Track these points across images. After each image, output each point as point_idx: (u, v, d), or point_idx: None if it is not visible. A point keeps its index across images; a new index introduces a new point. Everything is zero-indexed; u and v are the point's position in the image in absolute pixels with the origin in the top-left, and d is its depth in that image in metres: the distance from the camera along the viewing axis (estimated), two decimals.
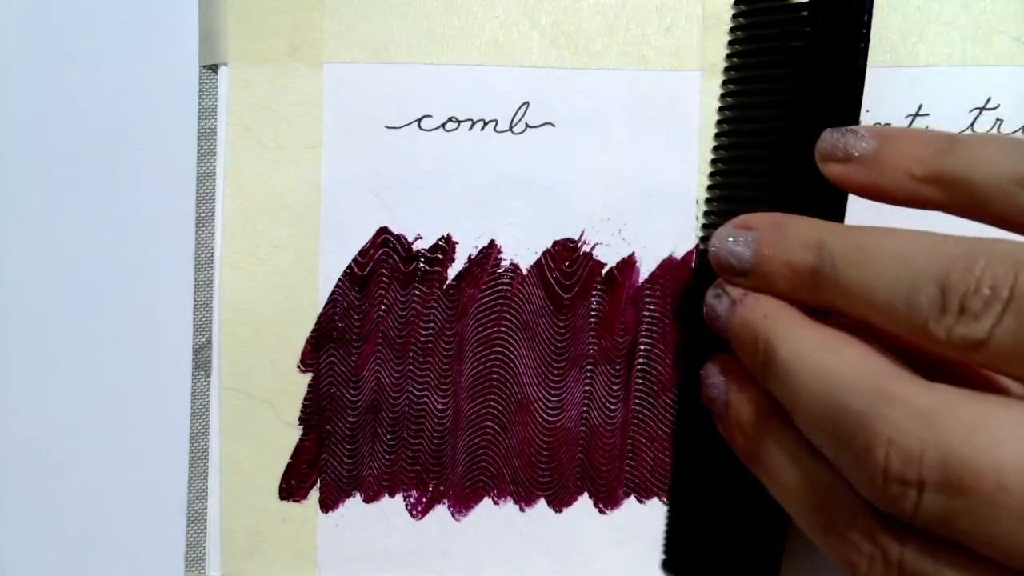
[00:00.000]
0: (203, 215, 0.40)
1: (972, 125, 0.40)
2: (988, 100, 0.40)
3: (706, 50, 0.40)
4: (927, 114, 0.40)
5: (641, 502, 0.40)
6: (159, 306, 0.41)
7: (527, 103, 0.40)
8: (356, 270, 0.40)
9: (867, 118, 0.40)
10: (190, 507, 0.40)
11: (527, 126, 0.40)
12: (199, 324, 0.40)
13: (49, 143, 0.41)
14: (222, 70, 0.40)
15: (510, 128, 0.40)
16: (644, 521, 0.40)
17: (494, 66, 0.40)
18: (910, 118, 0.40)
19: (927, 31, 0.40)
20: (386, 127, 0.40)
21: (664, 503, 0.40)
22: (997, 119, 0.40)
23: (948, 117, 0.40)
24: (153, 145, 0.41)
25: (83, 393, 0.41)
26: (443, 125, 0.40)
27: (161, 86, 0.41)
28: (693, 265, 0.40)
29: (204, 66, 0.40)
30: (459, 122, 0.40)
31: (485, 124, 0.40)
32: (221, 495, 0.40)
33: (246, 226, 0.40)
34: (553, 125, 0.40)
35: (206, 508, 0.40)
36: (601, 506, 0.40)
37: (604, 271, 0.40)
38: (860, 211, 0.34)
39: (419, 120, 0.40)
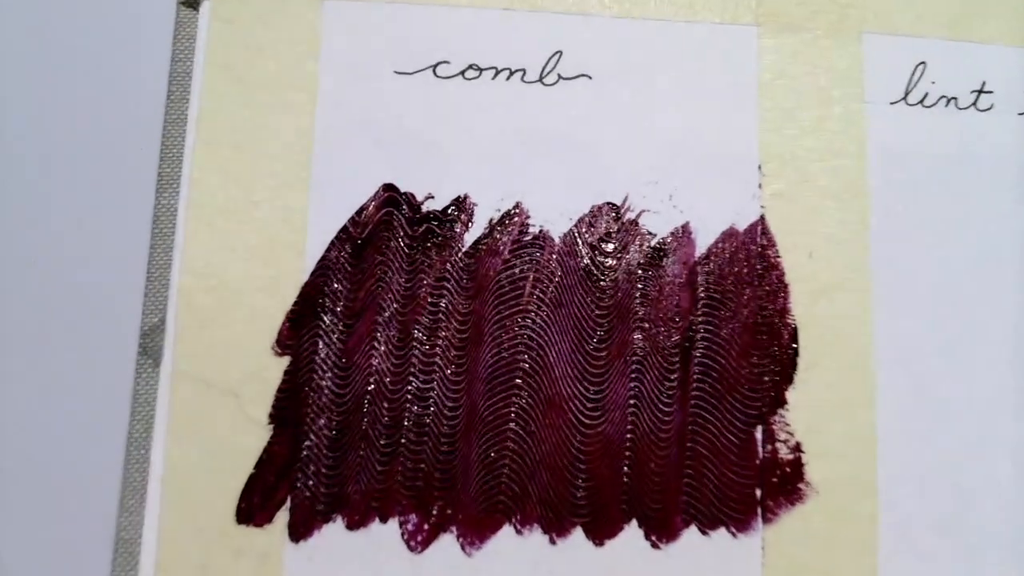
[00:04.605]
0: (167, 170, 0.33)
1: None
2: None
3: (762, 1, 0.35)
4: (991, 91, 0.35)
5: (705, 533, 0.31)
6: (105, 279, 0.32)
7: (560, 52, 0.34)
8: (352, 231, 0.32)
9: (933, 90, 0.35)
10: (119, 536, 0.31)
11: (560, 77, 0.34)
12: (152, 301, 0.32)
13: None
14: (204, 6, 0.34)
15: (540, 79, 0.34)
16: (709, 558, 0.31)
17: (523, 10, 0.34)
18: (975, 94, 0.35)
19: (989, 10, 0.36)
20: (395, 72, 0.34)
21: (734, 535, 0.31)
22: None
23: (1010, 96, 0.35)
24: (113, 90, 0.34)
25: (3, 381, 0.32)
26: (462, 72, 0.34)
27: (133, 22, 0.34)
28: (759, 238, 0.33)
29: (182, 2, 0.34)
30: (481, 70, 0.34)
31: (511, 73, 0.34)
32: (159, 516, 0.30)
33: (218, 178, 0.32)
34: (589, 77, 0.34)
35: (140, 538, 0.30)
36: (654, 538, 0.31)
37: (653, 242, 0.33)
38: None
39: (435, 66, 0.34)
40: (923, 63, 0.35)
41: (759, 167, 0.34)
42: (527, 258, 0.33)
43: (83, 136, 0.33)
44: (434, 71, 0.34)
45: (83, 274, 0.32)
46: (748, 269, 0.33)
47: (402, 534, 0.31)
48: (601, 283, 0.33)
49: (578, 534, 0.31)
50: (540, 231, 0.33)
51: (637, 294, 0.33)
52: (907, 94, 0.35)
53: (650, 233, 0.33)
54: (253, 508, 0.30)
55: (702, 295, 0.33)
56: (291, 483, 0.31)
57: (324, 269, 0.32)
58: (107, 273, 0.32)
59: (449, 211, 0.33)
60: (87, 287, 0.32)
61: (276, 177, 0.32)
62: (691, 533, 0.31)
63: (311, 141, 0.33)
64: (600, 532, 0.31)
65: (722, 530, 0.31)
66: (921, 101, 0.35)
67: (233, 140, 0.33)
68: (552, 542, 0.31)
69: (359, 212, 0.33)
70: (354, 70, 0.34)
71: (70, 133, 0.33)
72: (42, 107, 0.33)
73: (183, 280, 0.32)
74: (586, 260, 0.33)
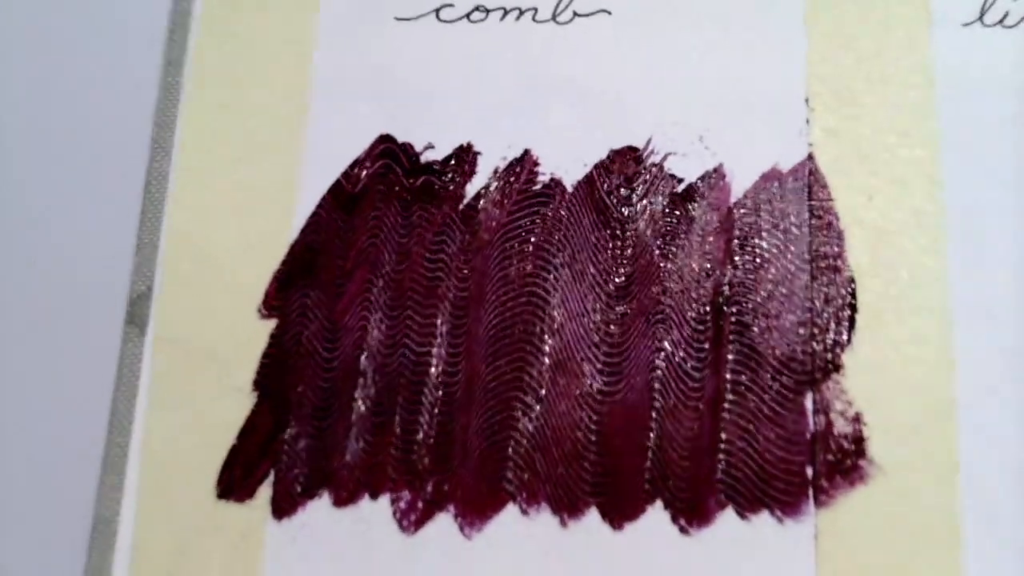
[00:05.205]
0: (161, 135, 0.31)
1: None
2: None
3: None
4: None
5: (744, 518, 0.27)
6: (94, 247, 0.31)
7: None
8: (346, 185, 0.30)
9: (1015, 8, 0.30)
10: (98, 516, 0.29)
11: (575, 14, 0.31)
12: (140, 268, 0.30)
13: None
14: None
15: (553, 17, 0.31)
16: (749, 547, 0.26)
17: None
18: None
19: None
20: (396, 18, 0.31)
21: (780, 520, 0.26)
22: None
23: None
24: (109, 58, 0.33)
25: None
26: (467, 15, 0.31)
27: None
28: (806, 178, 0.29)
29: None
30: (488, 11, 0.31)
31: (521, 13, 0.31)
32: (137, 492, 0.28)
33: (208, 137, 0.31)
34: (609, 12, 0.31)
35: (118, 516, 0.28)
36: (683, 521, 0.27)
37: (681, 187, 0.29)
38: None
39: (437, 10, 0.31)
40: None
41: (806, 101, 0.30)
42: (535, 208, 0.29)
43: (76, 107, 0.32)
44: (437, 15, 0.31)
45: (72, 240, 0.31)
46: (793, 213, 0.29)
47: (394, 512, 0.27)
48: (620, 233, 0.29)
49: (593, 516, 0.27)
50: (551, 179, 0.30)
51: (661, 244, 0.29)
52: (983, 14, 0.30)
53: (677, 177, 0.29)
54: (234, 481, 0.28)
55: (738, 244, 0.29)
56: (274, 456, 0.28)
57: (314, 226, 0.30)
58: (97, 241, 0.31)
59: (450, 160, 0.30)
60: (76, 254, 0.31)
61: (268, 134, 0.30)
62: (727, 517, 0.27)
63: (306, 95, 0.31)
64: (619, 514, 0.27)
65: (765, 514, 0.27)
66: (1001, 21, 0.30)
67: (225, 97, 0.31)
68: (563, 524, 0.27)
69: (353, 166, 0.30)
70: (353, 19, 0.31)
71: (63, 104, 0.32)
72: (36, 78, 0.33)
73: (168, 244, 0.30)
74: (602, 208, 0.29)
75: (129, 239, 0.31)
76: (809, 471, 0.27)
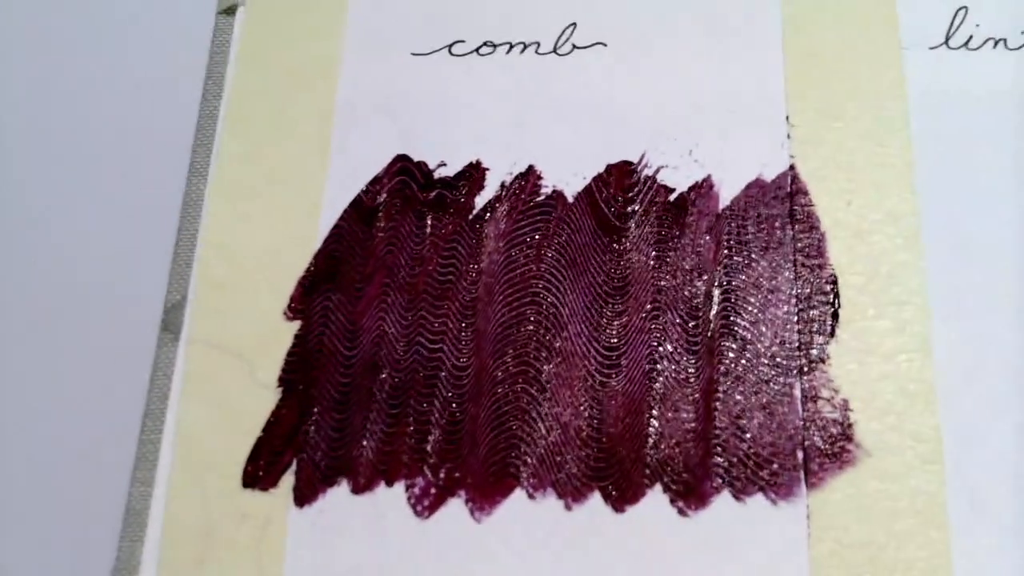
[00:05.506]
0: (198, 159, 0.34)
1: None
2: None
3: None
4: None
5: (739, 500, 0.28)
6: (133, 258, 0.34)
7: (574, 24, 0.34)
8: (365, 200, 0.32)
9: (978, 32, 0.33)
10: (130, 507, 0.30)
11: (574, 47, 0.34)
12: (176, 279, 0.33)
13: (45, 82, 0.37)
14: (239, 12, 0.36)
15: (554, 50, 0.34)
16: (745, 527, 0.28)
17: None
18: None
19: None
20: (412, 54, 0.34)
21: (774, 502, 0.28)
22: None
23: None
24: (153, 86, 0.36)
25: (28, 360, 0.33)
26: (477, 50, 0.34)
27: (178, 28, 0.37)
28: (789, 186, 0.31)
29: (221, 12, 0.37)
30: (495, 46, 0.34)
31: (525, 47, 0.34)
32: (169, 481, 0.30)
33: (242, 158, 0.33)
34: (605, 45, 0.34)
35: (149, 509, 0.30)
36: (681, 504, 0.28)
37: (673, 196, 0.32)
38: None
39: (450, 46, 0.35)
40: (964, 7, 0.33)
41: (786, 117, 0.32)
42: (539, 216, 0.32)
43: (120, 131, 0.35)
44: (450, 50, 0.34)
45: (114, 254, 0.34)
46: (778, 218, 0.31)
47: (408, 498, 0.29)
48: (617, 237, 0.31)
49: (596, 500, 0.29)
50: (553, 191, 0.32)
51: (656, 247, 0.31)
52: (948, 38, 0.33)
53: (669, 188, 0.32)
54: (259, 471, 0.30)
55: (727, 246, 0.31)
56: (297, 448, 0.30)
57: (336, 237, 0.32)
58: (137, 255, 0.34)
59: (461, 175, 0.33)
60: (117, 266, 0.34)
61: (295, 155, 0.33)
62: (723, 499, 0.28)
63: (331, 120, 0.34)
64: (620, 497, 0.29)
65: (759, 496, 0.28)
66: (965, 44, 0.33)
67: (257, 121, 0.34)
68: (567, 508, 0.29)
69: (372, 182, 0.33)
70: (373, 54, 0.35)
71: (108, 127, 0.36)
72: (84, 104, 0.36)
73: (203, 253, 0.32)
74: (601, 215, 0.32)
75: (166, 253, 0.33)
76: (800, 455, 0.28)
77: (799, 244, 0.30)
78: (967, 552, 0.27)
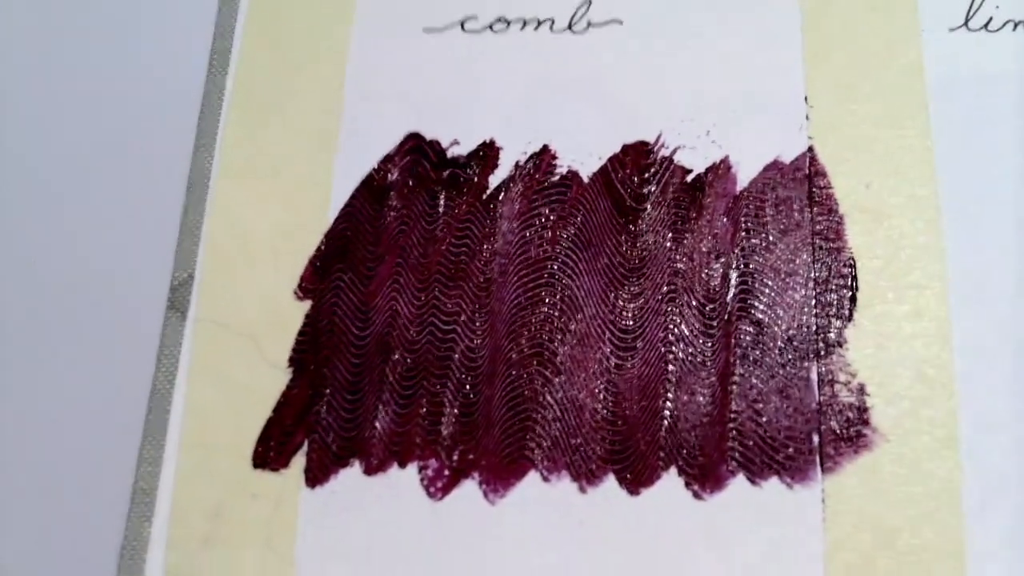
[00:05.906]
0: (204, 132, 0.34)
1: None
2: None
3: None
4: None
5: (755, 483, 0.28)
6: (138, 235, 0.33)
7: (589, 1, 0.34)
8: (376, 178, 0.32)
9: (998, 14, 0.32)
10: (137, 486, 0.30)
11: (589, 24, 0.34)
12: (182, 258, 0.32)
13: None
14: None
15: (569, 27, 0.34)
16: (761, 511, 0.28)
17: None
18: None
19: None
20: (424, 29, 0.34)
21: (789, 486, 0.28)
22: None
23: None
24: (157, 67, 0.35)
25: (35, 339, 0.33)
26: (490, 26, 0.34)
27: (184, 5, 0.36)
28: (807, 168, 0.31)
29: None
30: (508, 22, 0.34)
31: (539, 24, 0.34)
32: (177, 460, 0.30)
33: (250, 134, 0.33)
34: (621, 22, 0.33)
35: (157, 488, 0.30)
36: (696, 488, 0.28)
37: (690, 177, 0.31)
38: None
39: (462, 22, 0.34)
40: None
41: (805, 98, 0.32)
42: (554, 197, 0.31)
43: (126, 107, 0.35)
44: (462, 26, 0.34)
45: (121, 233, 0.33)
46: (796, 200, 0.31)
47: (421, 480, 0.29)
48: (633, 218, 0.31)
49: (610, 482, 0.28)
50: (568, 171, 0.32)
51: (672, 228, 0.31)
52: (968, 20, 0.33)
53: (686, 169, 0.31)
54: (270, 451, 0.29)
55: (744, 228, 0.30)
56: (308, 428, 0.30)
57: (348, 215, 0.32)
58: (143, 233, 0.33)
59: (474, 155, 0.32)
60: (124, 244, 0.33)
61: (305, 132, 0.33)
62: (739, 483, 0.28)
63: (341, 96, 0.33)
64: (635, 480, 0.28)
65: (775, 480, 0.28)
66: (985, 26, 0.32)
67: (266, 98, 0.33)
68: (582, 490, 0.28)
69: (384, 160, 0.32)
70: (384, 30, 0.34)
71: (113, 104, 0.35)
72: (89, 79, 0.35)
73: (211, 231, 0.32)
74: (617, 196, 0.31)
75: (172, 231, 0.33)
76: (816, 439, 0.28)
77: (817, 227, 0.30)
78: (982, 537, 0.27)
